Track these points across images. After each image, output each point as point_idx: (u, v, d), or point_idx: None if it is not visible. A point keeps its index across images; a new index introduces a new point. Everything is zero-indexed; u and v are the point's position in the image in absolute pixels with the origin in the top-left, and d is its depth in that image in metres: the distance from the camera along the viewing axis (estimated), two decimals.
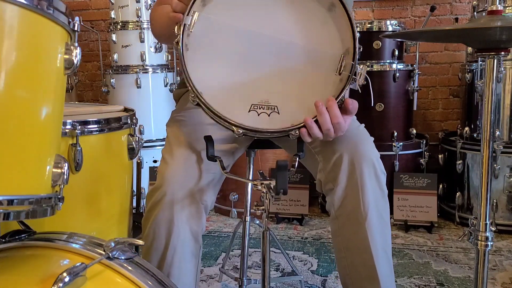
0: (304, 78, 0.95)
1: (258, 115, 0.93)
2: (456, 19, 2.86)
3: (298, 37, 0.95)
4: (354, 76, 0.92)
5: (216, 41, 0.94)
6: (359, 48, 0.94)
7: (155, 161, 2.64)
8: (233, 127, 0.91)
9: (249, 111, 0.93)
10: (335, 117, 0.91)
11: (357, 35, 0.94)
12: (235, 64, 0.95)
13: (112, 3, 2.76)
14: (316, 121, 0.91)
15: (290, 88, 0.95)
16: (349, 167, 1.05)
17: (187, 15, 0.91)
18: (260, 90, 0.94)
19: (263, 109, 0.93)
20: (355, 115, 1.00)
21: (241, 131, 0.91)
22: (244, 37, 0.94)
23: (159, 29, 1.25)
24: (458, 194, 2.41)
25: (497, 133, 2.32)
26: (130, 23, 2.73)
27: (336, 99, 0.91)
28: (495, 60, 0.97)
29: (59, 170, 0.73)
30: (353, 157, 1.04)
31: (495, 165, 2.25)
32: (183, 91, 1.32)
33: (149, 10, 2.44)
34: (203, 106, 0.92)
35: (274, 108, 0.93)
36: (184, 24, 0.91)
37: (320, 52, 0.94)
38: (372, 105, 1.06)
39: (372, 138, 1.11)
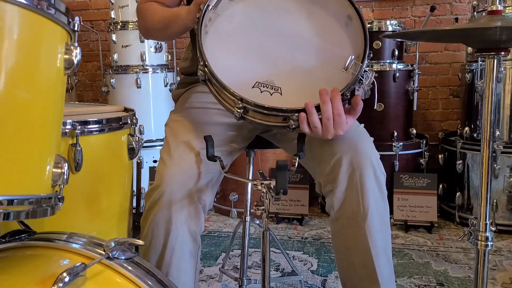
0: (312, 71, 0.98)
1: (261, 92, 0.94)
2: (456, 19, 2.86)
3: (313, 35, 0.99)
4: (361, 78, 0.92)
5: (234, 28, 0.99)
6: (370, 53, 0.95)
7: (155, 161, 2.64)
8: (234, 99, 0.91)
9: (252, 87, 0.94)
10: (336, 108, 0.90)
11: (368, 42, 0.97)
12: (247, 50, 0.99)
13: (112, 3, 2.76)
14: (318, 110, 0.90)
15: (297, 77, 0.97)
16: (348, 169, 1.04)
17: None
18: (267, 71, 0.96)
19: (267, 88, 0.94)
20: None
21: (240, 105, 0.90)
22: (260, 28, 0.99)
23: (154, 23, 1.21)
24: (458, 194, 2.41)
25: (497, 133, 2.32)
26: (130, 23, 2.73)
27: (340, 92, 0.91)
28: (495, 60, 0.97)
29: (59, 170, 0.73)
30: (352, 158, 1.04)
31: (495, 165, 2.25)
32: (182, 91, 1.32)
33: None
34: (209, 74, 0.92)
35: (278, 89, 0.94)
36: (208, 5, 0.94)
37: (331, 51, 0.98)
38: (374, 107, 1.07)
39: (372, 139, 1.11)
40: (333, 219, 1.11)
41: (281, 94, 0.94)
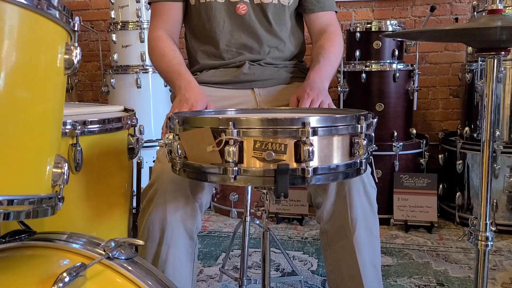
0: None
1: None
2: (456, 19, 2.86)
3: None
4: None
5: None
6: None
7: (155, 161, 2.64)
8: None
9: None
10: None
11: None
12: None
13: (112, 3, 2.76)
14: None
15: None
16: (337, 183, 1.06)
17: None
18: None
19: None
20: None
21: None
22: None
23: (158, 69, 1.30)
24: (458, 194, 2.41)
25: (497, 133, 2.32)
26: (130, 23, 2.73)
27: None
28: (495, 60, 0.97)
29: (59, 170, 0.73)
30: None
31: (495, 165, 2.25)
32: None
33: (149, 11, 2.47)
34: None
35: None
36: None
37: None
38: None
39: None
40: (322, 231, 1.13)
41: None
